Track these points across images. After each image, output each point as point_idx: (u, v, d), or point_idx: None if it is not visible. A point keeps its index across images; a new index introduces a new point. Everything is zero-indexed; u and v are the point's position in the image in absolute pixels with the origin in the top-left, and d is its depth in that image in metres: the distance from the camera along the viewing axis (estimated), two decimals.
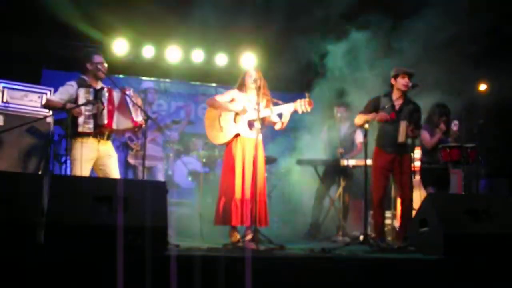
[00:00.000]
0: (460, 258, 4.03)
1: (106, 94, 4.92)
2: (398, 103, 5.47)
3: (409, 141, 5.36)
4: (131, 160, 6.34)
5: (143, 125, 4.97)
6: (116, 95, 5.00)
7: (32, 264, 3.25)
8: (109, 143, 5.09)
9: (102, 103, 4.88)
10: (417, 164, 6.15)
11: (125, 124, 4.97)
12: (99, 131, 4.91)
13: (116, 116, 4.95)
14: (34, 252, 3.36)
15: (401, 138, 5.32)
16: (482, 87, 8.61)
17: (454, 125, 6.09)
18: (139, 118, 4.96)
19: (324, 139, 7.11)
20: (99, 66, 4.97)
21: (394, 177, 5.56)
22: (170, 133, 6.79)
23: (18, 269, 3.21)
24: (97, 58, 5.02)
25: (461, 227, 4.22)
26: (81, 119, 4.84)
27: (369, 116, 5.40)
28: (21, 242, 3.39)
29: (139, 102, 5.06)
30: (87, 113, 4.86)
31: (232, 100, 5.28)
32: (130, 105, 4.94)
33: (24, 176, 4.53)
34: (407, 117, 5.36)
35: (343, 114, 6.87)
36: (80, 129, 4.83)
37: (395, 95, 5.48)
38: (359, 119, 5.50)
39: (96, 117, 4.87)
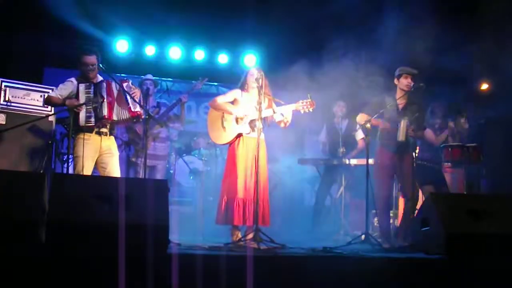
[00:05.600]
0: (461, 258, 4.02)
1: (105, 87, 4.97)
2: (401, 103, 5.48)
3: (411, 140, 5.36)
4: (132, 158, 6.32)
5: (142, 116, 5.03)
6: (115, 86, 5.04)
7: (34, 262, 3.26)
8: (112, 139, 5.12)
9: (102, 97, 4.92)
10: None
11: (124, 114, 5.02)
12: (101, 124, 4.94)
13: (115, 107, 5.01)
14: (35, 250, 3.37)
15: (401, 136, 5.31)
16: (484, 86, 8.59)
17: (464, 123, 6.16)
18: (137, 108, 5.01)
19: (323, 138, 7.11)
20: (89, 67, 4.97)
21: (397, 177, 5.57)
22: (174, 127, 6.70)
23: (19, 267, 3.22)
24: (86, 59, 4.99)
25: (463, 226, 4.21)
26: (82, 114, 4.89)
27: (373, 121, 5.34)
28: (22, 240, 3.40)
29: (138, 93, 5.10)
30: (87, 107, 4.91)
31: (234, 100, 5.30)
32: (128, 96, 4.99)
33: (26, 175, 4.54)
34: (409, 117, 5.35)
35: (343, 111, 6.87)
36: (82, 123, 4.89)
37: (399, 95, 5.49)
38: (361, 118, 5.47)
39: (96, 110, 4.91)
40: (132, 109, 4.98)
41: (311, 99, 5.06)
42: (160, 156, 6.52)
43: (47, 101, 5.17)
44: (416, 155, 6.19)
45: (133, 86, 5.10)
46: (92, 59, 4.98)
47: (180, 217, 6.43)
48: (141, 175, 6.17)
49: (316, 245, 4.60)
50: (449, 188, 6.20)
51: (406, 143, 5.33)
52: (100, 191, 3.68)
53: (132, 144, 6.24)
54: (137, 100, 5.02)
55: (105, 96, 4.93)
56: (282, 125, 5.27)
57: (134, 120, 5.11)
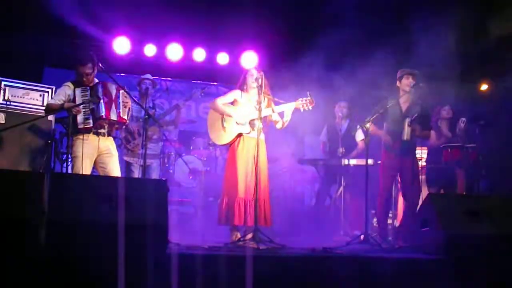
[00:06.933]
0: (460, 258, 4.02)
1: (101, 89, 4.98)
2: (404, 104, 5.51)
3: (415, 141, 5.39)
4: (125, 157, 6.32)
5: (126, 123, 5.14)
6: (112, 87, 5.05)
7: (33, 262, 3.26)
8: (111, 139, 5.14)
9: (98, 98, 4.94)
10: (422, 163, 6.18)
11: (115, 117, 5.03)
12: (99, 125, 4.97)
13: (113, 107, 5.01)
14: (35, 250, 3.37)
15: (405, 136, 5.34)
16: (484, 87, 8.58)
17: (462, 122, 6.16)
18: (125, 116, 5.07)
19: (324, 139, 7.11)
20: (84, 77, 5.01)
21: (400, 177, 5.59)
22: (168, 130, 6.71)
23: (19, 268, 3.22)
24: (80, 69, 5.01)
25: (461, 227, 4.22)
26: (80, 117, 4.92)
27: (377, 132, 5.46)
28: (22, 240, 3.40)
29: (129, 104, 5.13)
30: (85, 109, 4.94)
31: (234, 101, 5.31)
32: (121, 102, 5.03)
33: (26, 174, 4.54)
34: (413, 117, 5.37)
35: (344, 112, 6.87)
36: (80, 126, 4.92)
37: (401, 96, 5.51)
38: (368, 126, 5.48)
39: (94, 112, 4.94)
40: (121, 115, 5.03)
41: (310, 97, 5.05)
42: (153, 155, 6.52)
43: (47, 110, 5.18)
44: (426, 156, 6.24)
45: (128, 98, 5.11)
46: (86, 68, 5.00)
47: (179, 217, 6.44)
48: (136, 174, 6.20)
49: (316, 245, 4.61)
50: (459, 190, 6.22)
51: (411, 143, 5.34)
52: (100, 191, 3.68)
53: (124, 143, 6.25)
54: (126, 111, 5.08)
55: (102, 97, 4.95)
56: (280, 125, 5.27)
57: (117, 126, 5.15)
